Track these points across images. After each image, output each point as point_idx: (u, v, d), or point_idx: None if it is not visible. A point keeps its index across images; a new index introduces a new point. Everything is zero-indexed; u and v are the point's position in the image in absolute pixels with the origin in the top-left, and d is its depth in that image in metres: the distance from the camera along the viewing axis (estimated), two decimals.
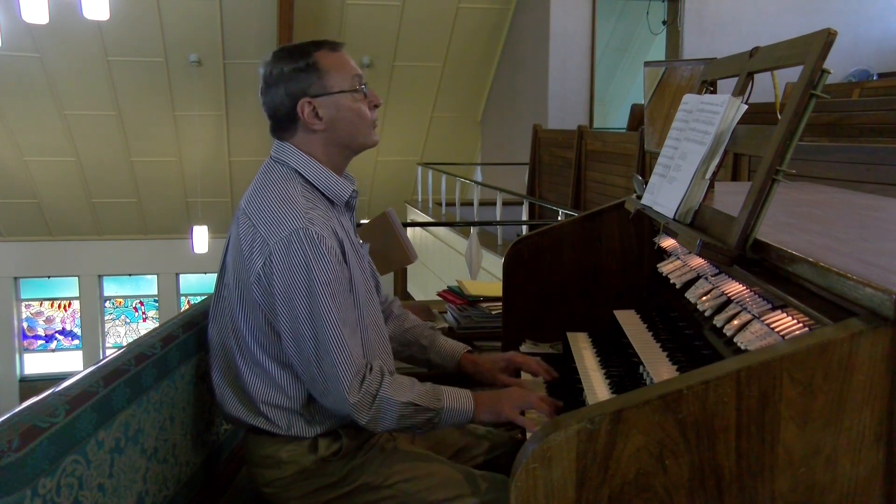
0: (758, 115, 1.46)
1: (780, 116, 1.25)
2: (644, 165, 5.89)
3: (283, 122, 1.57)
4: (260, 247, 1.47)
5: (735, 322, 1.24)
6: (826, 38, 1.20)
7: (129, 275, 13.08)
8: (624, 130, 7.76)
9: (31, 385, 12.09)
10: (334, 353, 1.44)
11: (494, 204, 7.34)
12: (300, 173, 1.56)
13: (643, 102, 2.50)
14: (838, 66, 7.97)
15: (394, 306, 1.88)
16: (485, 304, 2.63)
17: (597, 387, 1.59)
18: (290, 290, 1.45)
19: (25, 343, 12.96)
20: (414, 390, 1.49)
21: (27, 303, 12.97)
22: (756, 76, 1.51)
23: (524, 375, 1.81)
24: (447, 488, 1.53)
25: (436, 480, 1.54)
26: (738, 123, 1.44)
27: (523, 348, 2.06)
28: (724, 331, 1.27)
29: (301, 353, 1.47)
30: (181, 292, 13.22)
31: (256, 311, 1.51)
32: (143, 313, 13.36)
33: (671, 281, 1.58)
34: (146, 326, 13.02)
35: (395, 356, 1.76)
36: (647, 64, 2.30)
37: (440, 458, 1.64)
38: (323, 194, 1.58)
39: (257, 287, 1.48)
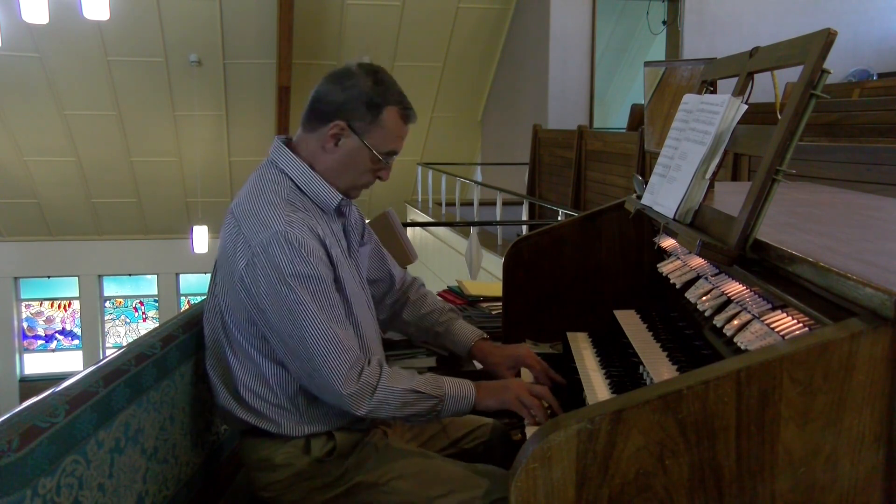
0: (758, 115, 1.47)
1: (780, 116, 1.25)
2: (644, 165, 5.89)
3: (316, 115, 1.58)
4: (242, 248, 1.49)
5: (735, 322, 1.24)
6: (826, 38, 1.20)
7: (129, 275, 13.08)
8: (624, 130, 7.76)
9: (31, 385, 12.09)
10: (324, 349, 1.46)
11: (494, 204, 7.34)
12: (291, 178, 1.57)
13: (643, 102, 2.50)
14: (838, 66, 7.96)
15: (410, 291, 1.89)
16: (485, 304, 2.63)
17: (597, 387, 1.58)
18: (273, 291, 1.47)
19: (25, 343, 12.96)
20: (414, 379, 1.52)
21: (27, 303, 12.97)
22: (756, 76, 1.51)
23: (524, 373, 1.81)
24: (442, 484, 1.54)
25: (430, 476, 1.55)
26: (738, 123, 1.44)
27: None
28: (724, 331, 1.27)
29: (292, 353, 1.49)
30: (181, 292, 13.22)
31: (241, 310, 1.53)
32: (143, 313, 13.36)
33: (671, 281, 1.58)
34: (146, 326, 13.02)
35: (411, 340, 1.76)
36: (647, 64, 2.30)
37: (435, 455, 1.65)
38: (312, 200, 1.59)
39: (241, 287, 1.51)
